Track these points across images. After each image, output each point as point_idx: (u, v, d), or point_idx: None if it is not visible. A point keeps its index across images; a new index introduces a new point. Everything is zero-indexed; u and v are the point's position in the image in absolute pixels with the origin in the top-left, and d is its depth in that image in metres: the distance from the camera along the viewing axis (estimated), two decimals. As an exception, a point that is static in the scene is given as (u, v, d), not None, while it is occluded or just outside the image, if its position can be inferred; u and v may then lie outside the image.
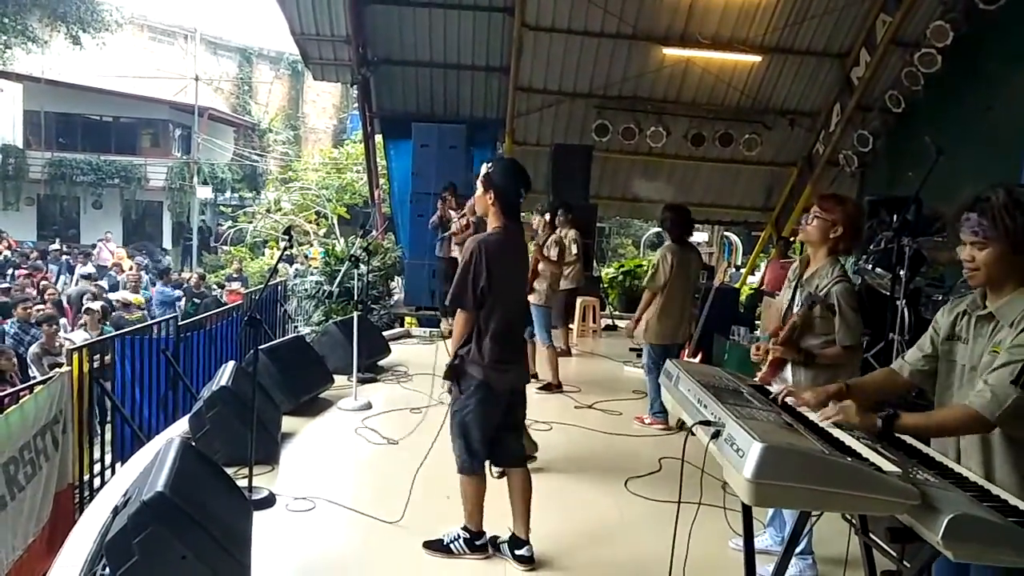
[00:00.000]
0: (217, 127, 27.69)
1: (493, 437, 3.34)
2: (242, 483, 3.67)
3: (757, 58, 10.41)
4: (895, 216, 4.97)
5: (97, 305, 9.66)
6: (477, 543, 3.42)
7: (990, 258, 2.02)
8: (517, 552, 3.37)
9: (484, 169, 3.38)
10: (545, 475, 4.50)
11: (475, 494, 3.39)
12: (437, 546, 3.43)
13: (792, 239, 10.28)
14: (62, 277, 15.91)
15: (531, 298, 6.72)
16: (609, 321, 10.78)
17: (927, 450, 2.18)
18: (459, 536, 3.42)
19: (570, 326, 8.64)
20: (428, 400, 5.41)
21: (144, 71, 26.39)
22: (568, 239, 7.80)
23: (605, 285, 13.09)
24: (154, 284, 16.33)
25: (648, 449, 4.90)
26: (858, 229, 3.15)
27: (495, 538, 3.47)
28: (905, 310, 4.95)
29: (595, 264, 12.93)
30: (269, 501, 3.81)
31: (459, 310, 3.28)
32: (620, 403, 6.21)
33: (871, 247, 5.77)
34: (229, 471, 3.64)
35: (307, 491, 3.95)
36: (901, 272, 4.71)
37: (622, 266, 14.17)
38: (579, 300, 8.96)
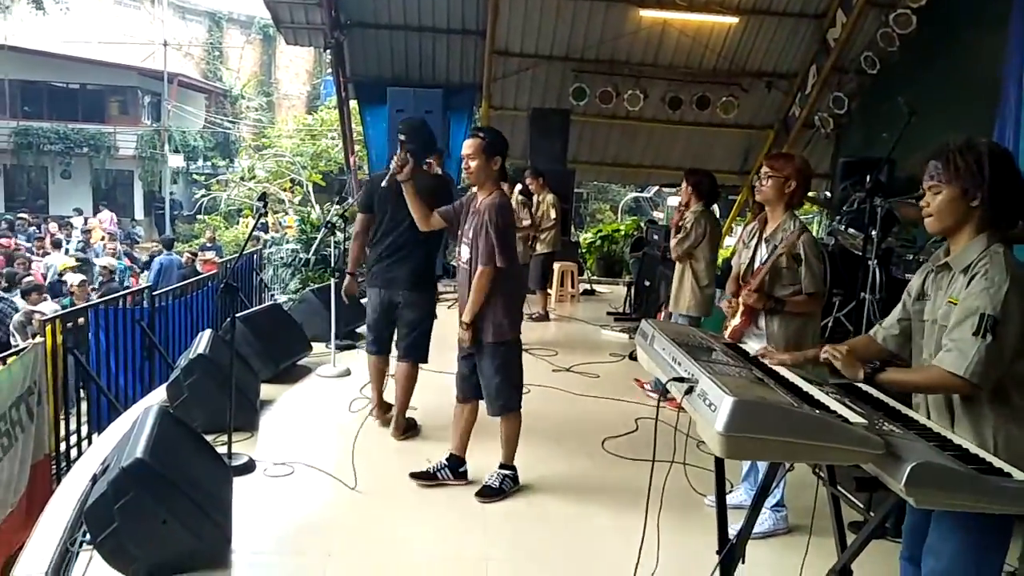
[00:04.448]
0: (187, 94, 27.13)
1: None
2: (221, 450, 3.67)
3: (734, 19, 10.35)
4: (868, 177, 5.02)
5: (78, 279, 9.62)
6: (516, 475, 3.74)
7: (942, 202, 2.04)
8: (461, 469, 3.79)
9: (472, 140, 3.52)
10: (524, 436, 4.55)
11: (518, 429, 3.70)
12: (488, 492, 3.64)
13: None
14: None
15: None
16: (587, 286, 10.84)
17: (892, 403, 2.23)
18: (505, 476, 3.69)
19: (548, 291, 8.68)
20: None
21: (110, 36, 25.72)
22: (546, 203, 7.82)
23: (583, 250, 13.12)
24: (127, 255, 16.14)
25: (625, 410, 4.96)
26: (808, 180, 3.32)
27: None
28: (877, 270, 5.02)
29: (573, 229, 12.94)
30: (249, 467, 3.83)
31: (488, 268, 3.45)
32: (598, 366, 6.27)
33: (844, 208, 5.83)
34: (208, 438, 3.65)
35: (286, 457, 3.97)
36: (873, 232, 4.77)
37: (600, 231, 14.19)
38: (557, 265, 8.99)
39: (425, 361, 4.42)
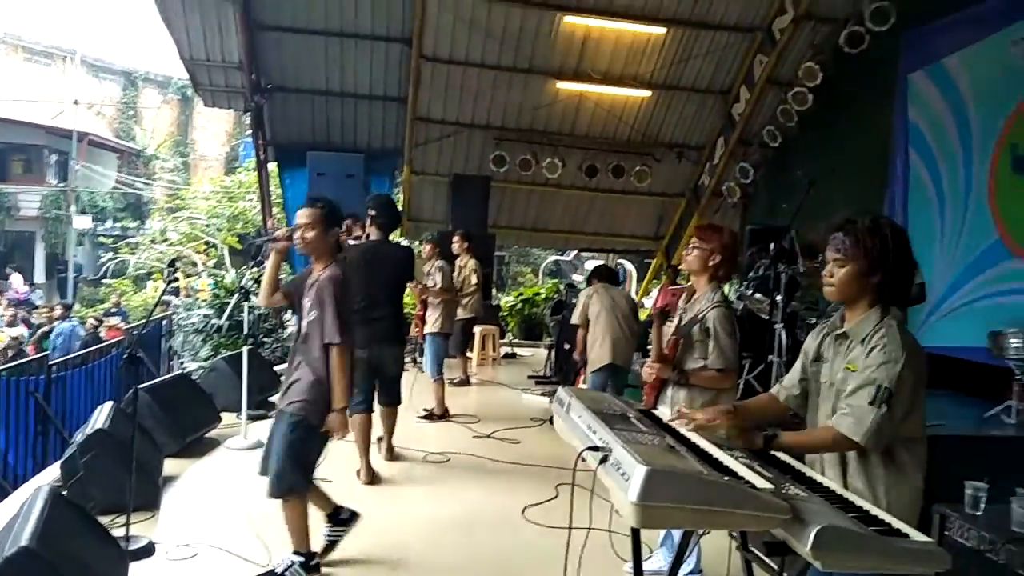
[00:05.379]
0: (98, 153, 26.24)
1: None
2: (119, 532, 3.45)
3: (646, 93, 10.86)
4: (772, 244, 5.28)
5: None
6: (311, 563, 3.39)
7: (847, 276, 2.19)
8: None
9: (310, 210, 3.41)
10: (441, 508, 4.46)
11: (304, 514, 3.38)
12: None
13: (680, 267, 10.71)
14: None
15: (427, 327, 6.71)
16: (508, 349, 10.86)
17: (799, 466, 2.30)
18: (293, 563, 3.35)
19: (468, 355, 8.65)
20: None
21: (18, 94, 24.79)
22: (468, 269, 7.84)
23: (504, 313, 13.19)
24: (24, 320, 15.26)
25: (546, 476, 4.93)
26: (734, 255, 3.32)
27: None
28: (782, 333, 5.25)
29: (495, 292, 13.03)
30: (148, 550, 3.60)
31: (341, 348, 3.27)
32: (519, 431, 6.24)
33: (751, 274, 6.09)
34: (105, 520, 3.46)
35: (190, 537, 3.76)
36: (778, 297, 4.99)
37: (521, 294, 14.32)
38: (478, 329, 8.99)
39: (399, 403, 5.18)
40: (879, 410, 2.05)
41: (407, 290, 5.42)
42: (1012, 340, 4.90)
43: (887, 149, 7.85)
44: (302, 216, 3.39)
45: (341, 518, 3.63)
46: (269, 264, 3.53)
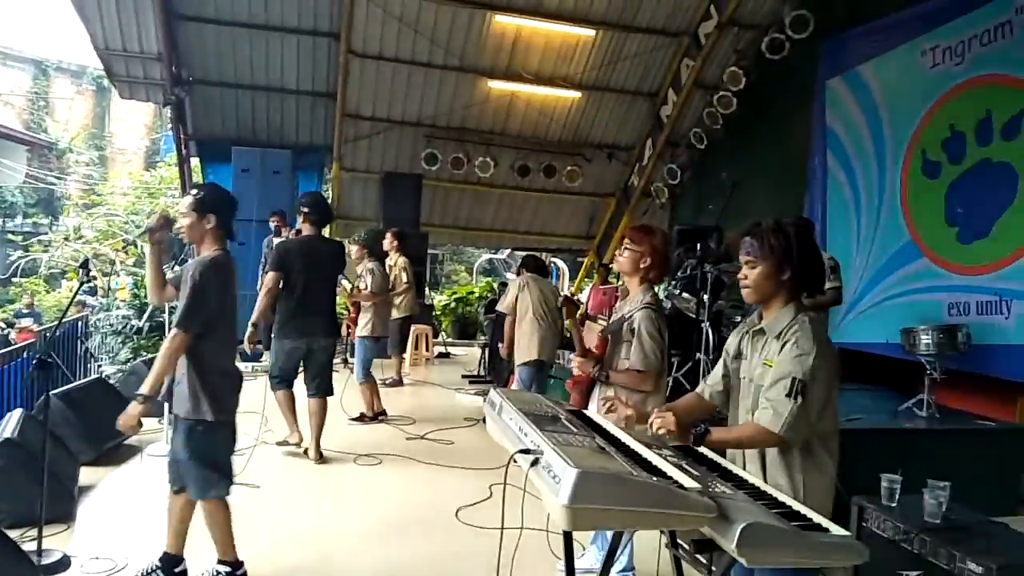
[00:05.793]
0: (5, 145, 24.76)
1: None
2: (31, 546, 3.29)
3: (576, 94, 10.97)
4: (699, 244, 5.40)
5: None
6: (238, 573, 3.31)
7: (759, 276, 2.31)
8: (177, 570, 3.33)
9: (186, 198, 3.37)
10: (372, 511, 4.41)
11: (226, 518, 3.30)
12: None
13: (612, 266, 10.87)
14: None
15: (357, 330, 6.61)
16: (442, 349, 10.82)
17: (725, 463, 2.37)
18: (218, 573, 3.28)
19: (403, 355, 8.57)
20: (252, 441, 5.11)
21: (-86, 81, 23.26)
22: (397, 267, 7.76)
23: (438, 313, 13.12)
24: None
25: (480, 477, 4.93)
26: (665, 258, 3.34)
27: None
28: (709, 331, 5.38)
29: (428, 291, 12.95)
30: (63, 564, 3.43)
31: (179, 336, 3.12)
32: (452, 432, 6.21)
33: (679, 273, 6.23)
34: (15, 534, 3.30)
35: (108, 550, 3.61)
36: (705, 296, 5.11)
37: (455, 293, 14.27)
38: (412, 328, 8.92)
39: (331, 394, 5.34)
40: (795, 402, 2.14)
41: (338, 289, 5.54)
42: (923, 336, 5.15)
43: (806, 152, 8.14)
44: (180, 206, 3.37)
45: (175, 571, 3.33)
46: (148, 259, 3.43)
